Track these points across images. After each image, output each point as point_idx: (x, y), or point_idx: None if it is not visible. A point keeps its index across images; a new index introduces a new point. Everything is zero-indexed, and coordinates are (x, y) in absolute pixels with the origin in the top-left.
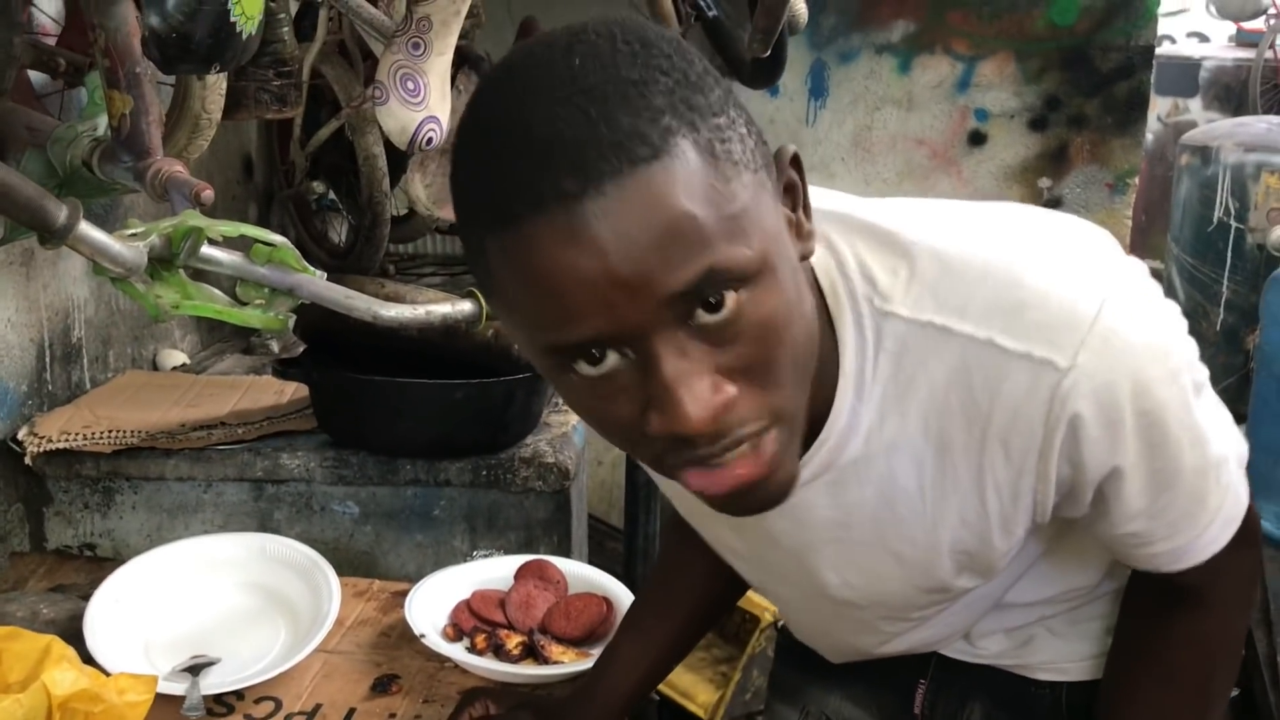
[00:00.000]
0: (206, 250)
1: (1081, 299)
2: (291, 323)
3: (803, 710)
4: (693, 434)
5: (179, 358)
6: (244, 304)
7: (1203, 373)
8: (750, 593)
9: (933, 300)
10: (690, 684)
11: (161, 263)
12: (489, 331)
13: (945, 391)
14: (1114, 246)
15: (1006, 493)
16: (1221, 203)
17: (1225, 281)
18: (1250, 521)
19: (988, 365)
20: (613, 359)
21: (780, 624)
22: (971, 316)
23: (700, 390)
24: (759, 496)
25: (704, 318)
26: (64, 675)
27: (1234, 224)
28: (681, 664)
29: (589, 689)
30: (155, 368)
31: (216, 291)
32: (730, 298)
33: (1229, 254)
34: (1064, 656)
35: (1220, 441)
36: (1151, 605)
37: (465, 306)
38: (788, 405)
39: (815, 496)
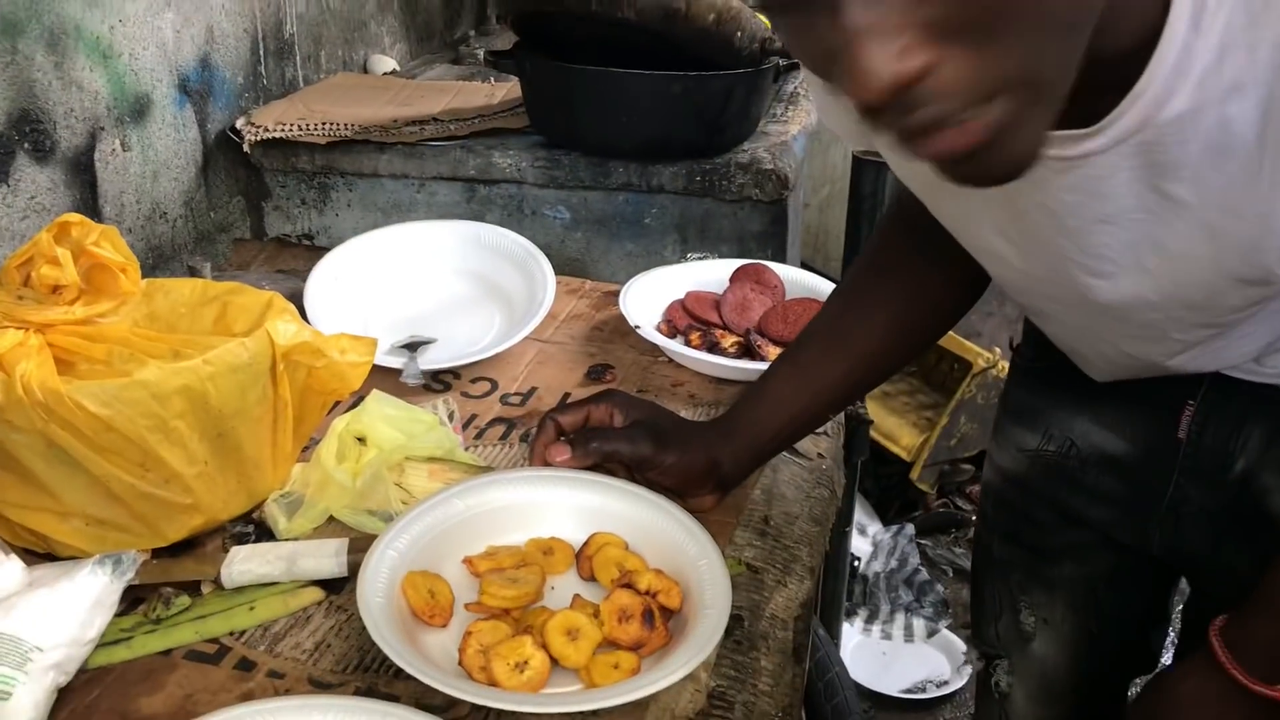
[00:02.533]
0: None
1: None
2: None
3: (1045, 434)
4: (870, 103)
5: (389, 63)
6: None
7: None
8: (960, 340)
9: None
10: (894, 427)
11: None
12: (710, 16)
13: None
14: None
15: None
16: None
17: None
18: None
19: None
20: None
21: (1016, 345)
22: None
23: (882, 52)
24: (983, 168)
25: None
26: (286, 326)
27: None
28: (885, 406)
29: (731, 420)
30: (366, 72)
31: None
32: None
33: None
34: None
35: None
36: None
37: None
38: (1032, 72)
39: (1119, 160)
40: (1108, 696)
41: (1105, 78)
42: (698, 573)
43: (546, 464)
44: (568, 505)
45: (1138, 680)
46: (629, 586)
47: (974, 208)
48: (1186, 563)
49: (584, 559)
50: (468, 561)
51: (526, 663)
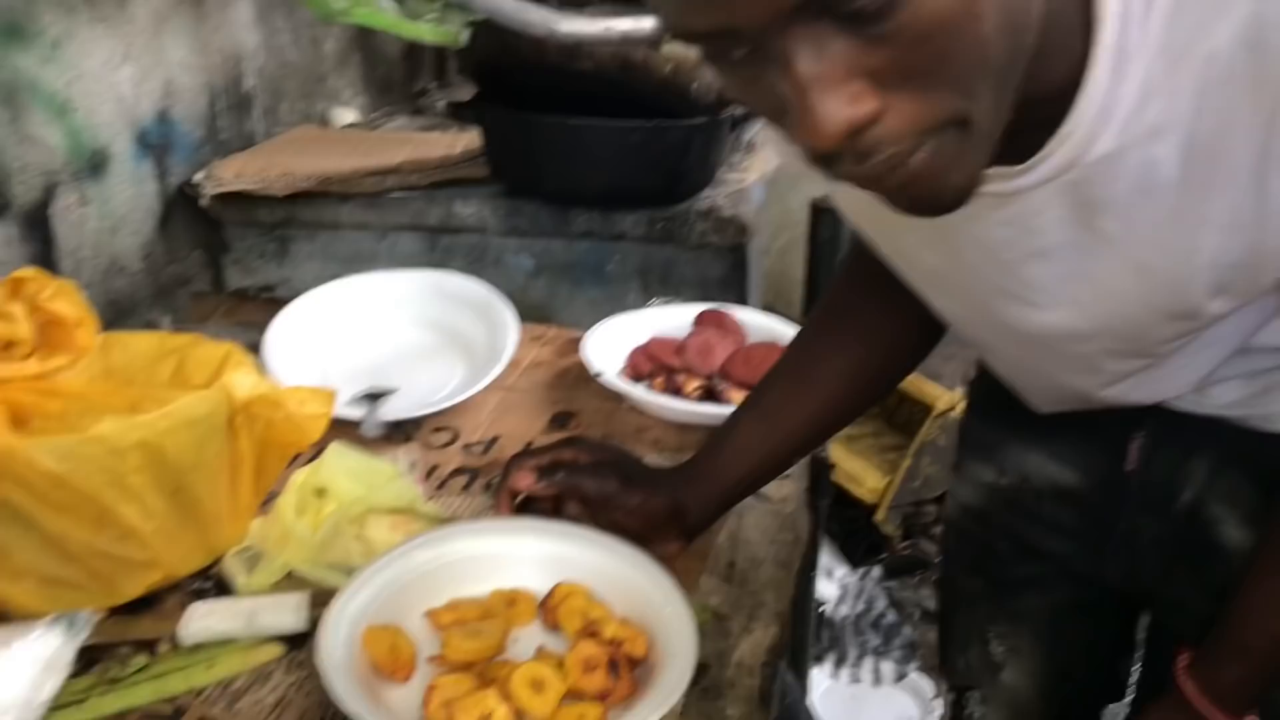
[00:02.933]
0: None
1: None
2: (464, 37)
3: (999, 469)
4: (823, 149)
5: (349, 116)
6: (416, 18)
7: None
8: (922, 381)
9: None
10: (858, 470)
11: None
12: (668, 67)
13: (1229, 60)
14: None
15: None
16: None
17: None
18: None
19: None
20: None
21: (971, 379)
22: None
23: (834, 99)
24: (927, 198)
25: (855, 2)
26: (245, 379)
27: None
28: (849, 449)
29: (696, 466)
30: (326, 124)
31: (387, 3)
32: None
33: None
34: None
35: None
36: None
37: (647, 22)
38: (967, 111)
39: (1050, 197)
40: None
41: (1037, 117)
42: (663, 620)
43: (512, 502)
44: (531, 555)
45: (1110, 707)
46: (594, 636)
47: (915, 242)
48: (1143, 593)
49: (548, 609)
50: (430, 614)
51: (490, 716)
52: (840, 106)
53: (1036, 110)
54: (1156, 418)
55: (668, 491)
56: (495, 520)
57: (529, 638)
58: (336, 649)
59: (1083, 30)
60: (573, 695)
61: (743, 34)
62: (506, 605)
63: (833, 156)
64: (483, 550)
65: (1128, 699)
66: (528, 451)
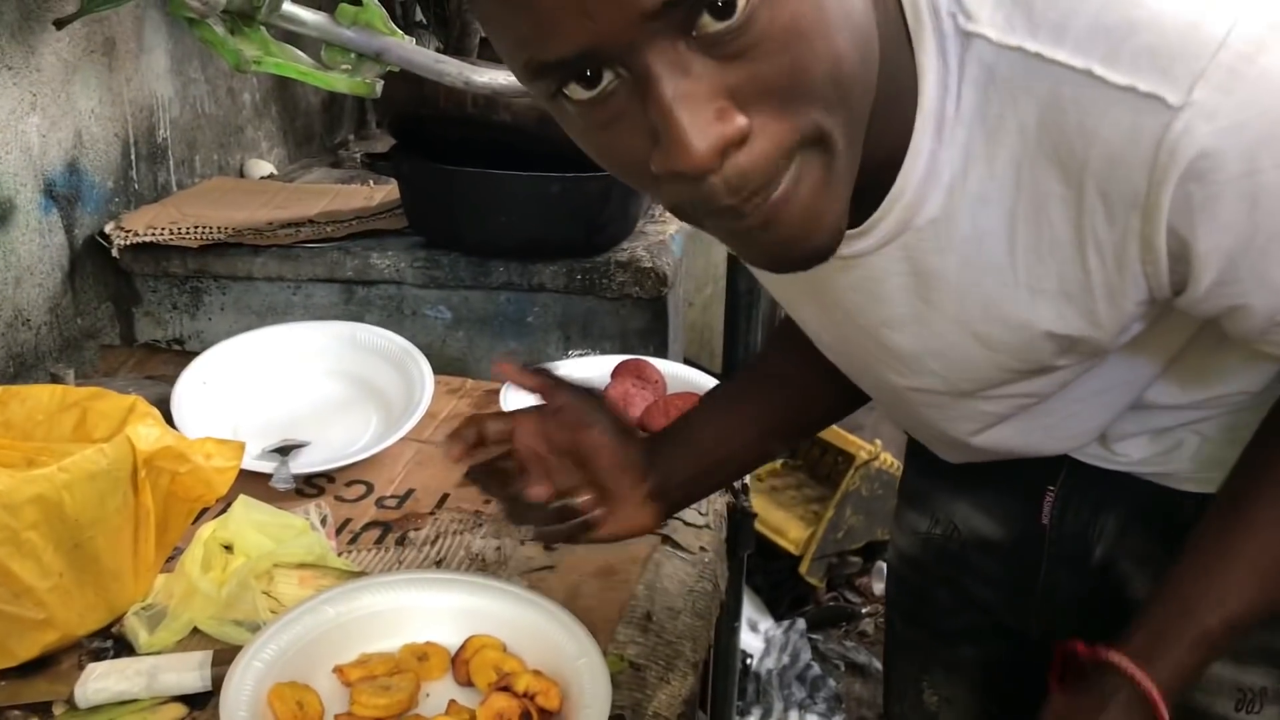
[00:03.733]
0: (289, 8)
1: (1208, 18)
2: (379, 88)
3: (932, 518)
4: (695, 170)
5: (266, 168)
6: (330, 68)
7: None
8: (844, 432)
9: (1025, 20)
10: (781, 521)
11: (243, 17)
12: None
13: (1038, 134)
14: None
15: (1110, 257)
16: None
17: None
18: None
19: (1085, 102)
20: (608, 78)
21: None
22: (1069, 41)
23: (702, 117)
24: (795, 246)
25: (710, 25)
26: (149, 431)
27: None
28: (772, 500)
29: (661, 437)
30: (243, 176)
31: (300, 53)
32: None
33: None
34: (1216, 466)
35: None
36: None
37: None
38: (827, 127)
39: (889, 264)
40: None
41: (876, 180)
42: (576, 671)
43: (468, 451)
44: (444, 608)
45: None
46: (506, 690)
47: (796, 295)
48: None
49: (460, 663)
50: (338, 670)
51: None
52: (709, 123)
53: (876, 174)
54: (1070, 471)
55: (635, 446)
56: (404, 574)
57: (441, 692)
58: (240, 708)
59: (911, 96)
60: None
61: (603, 54)
62: (417, 660)
63: (697, 195)
64: (393, 604)
65: None
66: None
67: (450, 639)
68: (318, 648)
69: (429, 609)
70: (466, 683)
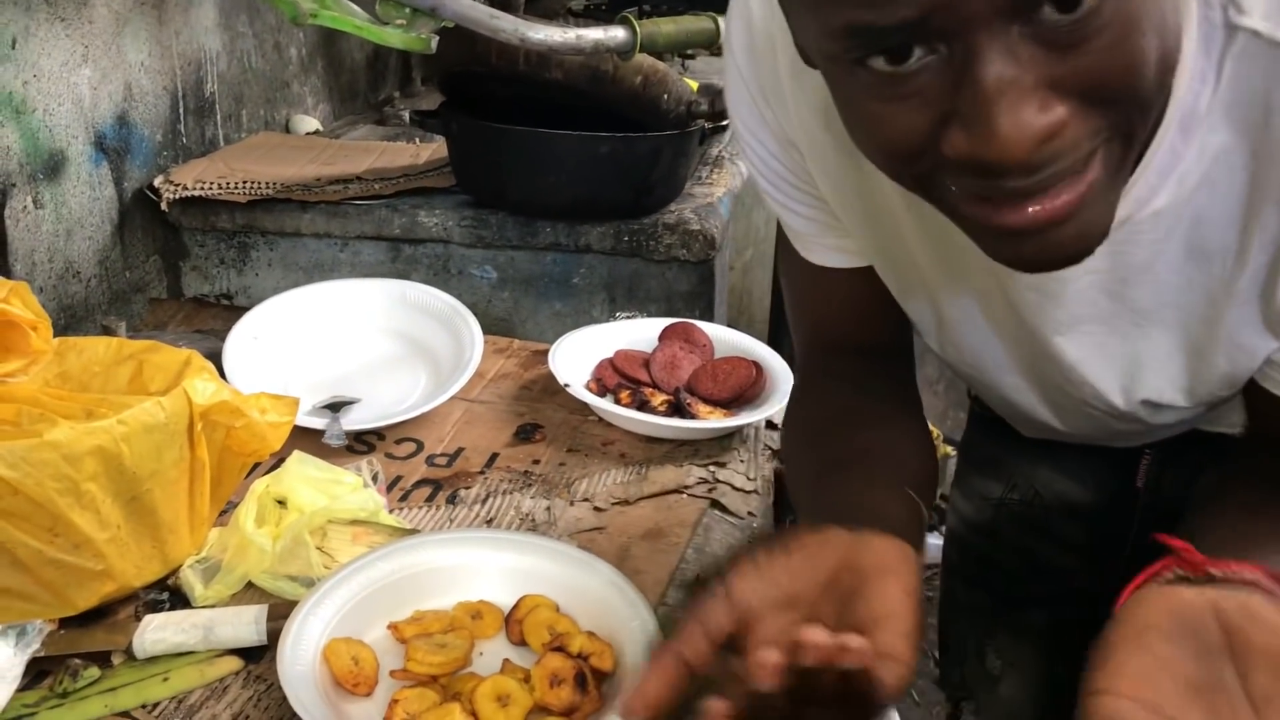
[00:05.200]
0: None
1: None
2: (434, 44)
3: (1008, 483)
4: (1002, 161)
5: (311, 124)
6: (385, 23)
7: None
8: None
9: None
10: None
11: None
12: (637, 78)
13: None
14: None
15: None
16: None
17: None
18: None
19: None
20: (919, 54)
21: (974, 393)
22: None
23: (1024, 108)
24: (1063, 242)
25: (1052, 16)
26: (205, 385)
27: None
28: None
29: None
30: (288, 132)
31: (355, 7)
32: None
33: None
34: None
35: None
36: None
37: (618, 33)
38: (1135, 123)
39: (1089, 260)
40: None
41: None
42: (630, 634)
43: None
44: (496, 567)
45: None
46: (560, 650)
47: (952, 295)
48: None
49: (514, 622)
50: (393, 627)
51: None
52: (1033, 115)
53: None
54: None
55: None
56: (458, 532)
57: (494, 651)
58: (298, 663)
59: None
60: (539, 710)
61: (934, 26)
62: (471, 618)
63: (998, 169)
64: (447, 562)
65: None
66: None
67: (503, 598)
68: (372, 604)
69: (482, 568)
70: (520, 642)
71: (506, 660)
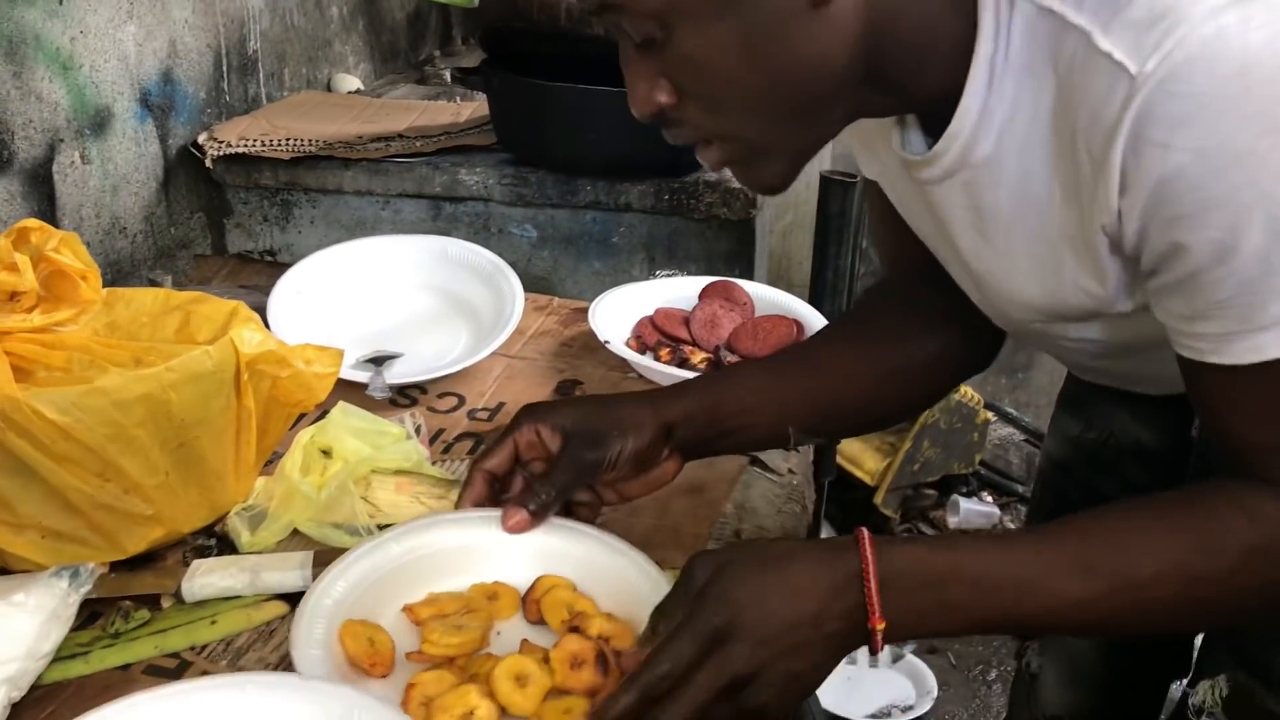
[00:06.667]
0: None
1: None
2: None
3: (1087, 423)
4: (640, 117)
5: (353, 83)
6: None
7: None
8: None
9: None
10: (857, 451)
11: None
12: None
13: (1067, 91)
14: None
15: (1091, 211)
16: None
17: None
18: None
19: (1085, 65)
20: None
21: None
22: (1087, 7)
23: (636, 90)
24: (750, 180)
25: (636, 40)
26: (252, 335)
27: None
28: None
29: (684, 387)
30: (330, 90)
31: None
32: (646, 29)
33: None
34: None
35: None
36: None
37: None
38: (740, 133)
39: (952, 194)
40: (1142, 693)
41: (944, 114)
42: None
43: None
44: (512, 547)
45: (1176, 683)
46: (578, 631)
47: (916, 213)
48: None
49: (531, 602)
50: (407, 609)
51: (472, 713)
52: (645, 91)
53: (942, 109)
54: None
55: (649, 414)
56: (474, 511)
57: (512, 631)
58: (313, 646)
59: (966, 44)
60: (559, 692)
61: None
62: (488, 599)
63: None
64: (461, 542)
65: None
66: (484, 450)
67: (519, 578)
68: (386, 586)
69: (497, 548)
70: (538, 620)
71: (525, 640)
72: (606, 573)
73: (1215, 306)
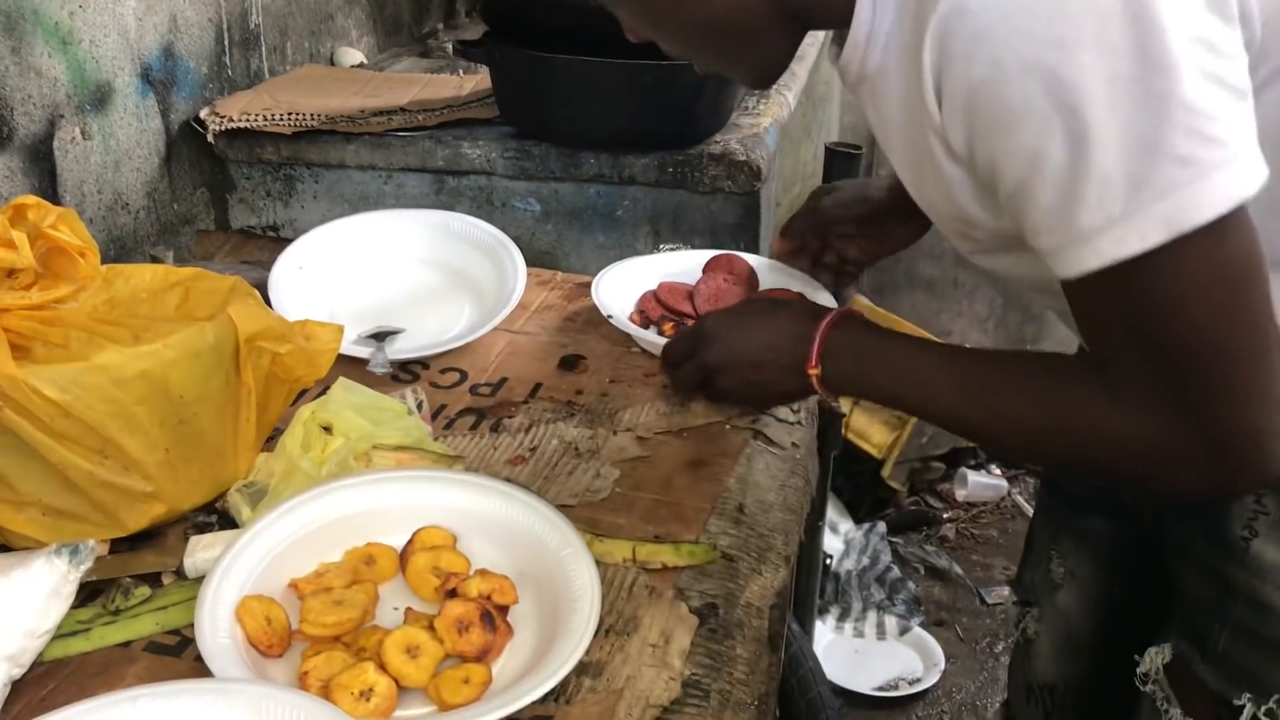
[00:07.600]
0: None
1: None
2: None
3: None
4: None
5: (356, 56)
6: None
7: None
8: (931, 337)
9: None
10: (865, 425)
11: None
12: None
13: (920, 5)
14: None
15: (926, 118)
16: None
17: None
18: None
19: None
20: None
21: None
22: None
23: (624, 21)
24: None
25: None
26: (251, 311)
27: None
28: (857, 404)
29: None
30: (333, 64)
31: None
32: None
33: None
34: None
35: (1130, 159)
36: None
37: None
38: (698, 59)
39: (866, 100)
40: (1127, 665)
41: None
42: (561, 562)
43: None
44: (406, 506)
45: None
46: (456, 595)
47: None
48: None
49: (408, 559)
50: (294, 584)
51: (371, 690)
52: (627, 24)
53: (844, 31)
54: None
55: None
56: (363, 475)
57: (397, 596)
58: (219, 634)
59: None
60: (452, 657)
61: None
62: (365, 564)
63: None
64: (352, 509)
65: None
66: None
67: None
68: (283, 559)
69: (395, 509)
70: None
71: (409, 609)
72: (515, 527)
73: (1043, 218)
